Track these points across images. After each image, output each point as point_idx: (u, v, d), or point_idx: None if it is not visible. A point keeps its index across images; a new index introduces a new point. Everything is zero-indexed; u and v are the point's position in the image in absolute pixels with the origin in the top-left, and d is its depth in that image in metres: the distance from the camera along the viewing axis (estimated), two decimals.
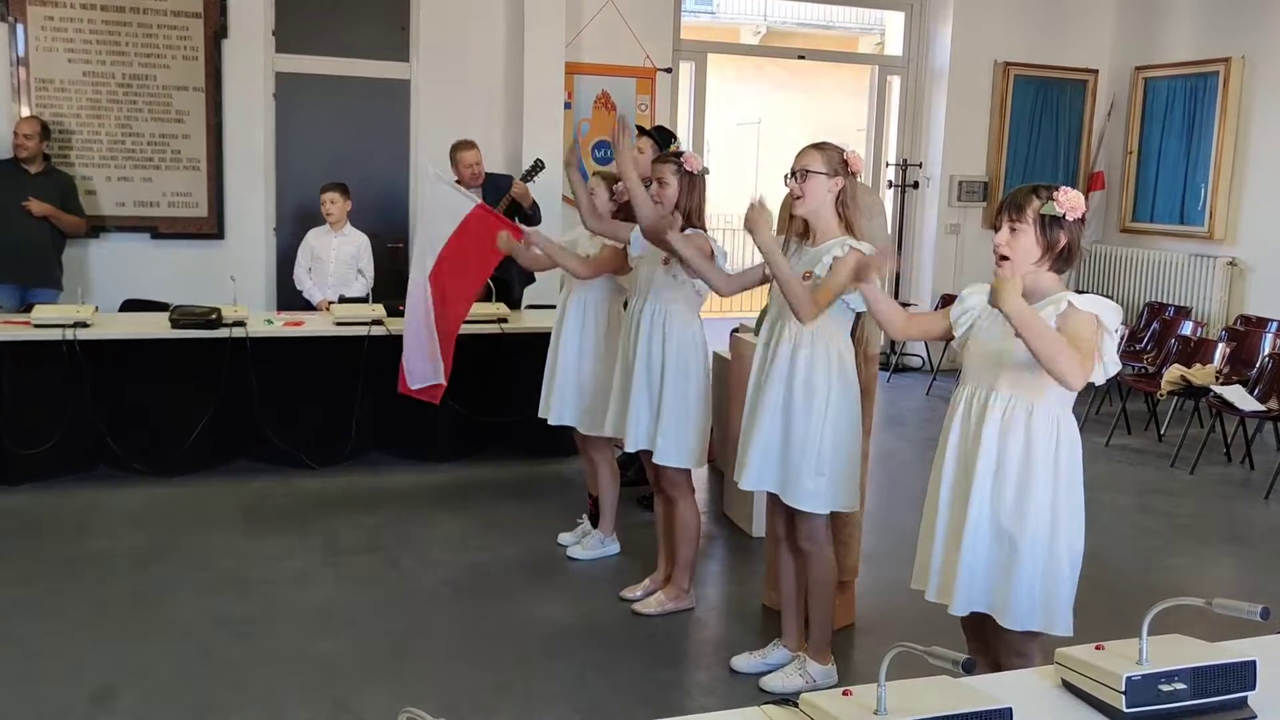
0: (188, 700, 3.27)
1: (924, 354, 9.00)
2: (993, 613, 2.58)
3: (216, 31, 6.83)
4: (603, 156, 7.68)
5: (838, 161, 3.23)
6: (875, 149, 9.25)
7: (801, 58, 10.37)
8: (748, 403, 3.42)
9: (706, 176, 3.86)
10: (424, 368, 5.07)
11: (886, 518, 5.05)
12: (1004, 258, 2.53)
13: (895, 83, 9.21)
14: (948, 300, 8.04)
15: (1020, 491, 2.52)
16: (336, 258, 6.31)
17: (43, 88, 6.55)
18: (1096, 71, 9.14)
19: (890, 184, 9.12)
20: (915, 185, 9.08)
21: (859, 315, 3.37)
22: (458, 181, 5.94)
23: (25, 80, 6.51)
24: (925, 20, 9.04)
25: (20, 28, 6.46)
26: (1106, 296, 2.63)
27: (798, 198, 3.25)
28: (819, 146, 3.28)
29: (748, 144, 16.68)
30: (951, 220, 9.03)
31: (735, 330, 5.43)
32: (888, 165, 9.21)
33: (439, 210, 5.01)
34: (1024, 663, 2.53)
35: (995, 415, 2.54)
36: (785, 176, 3.30)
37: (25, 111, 6.48)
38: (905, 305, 6.68)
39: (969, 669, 1.63)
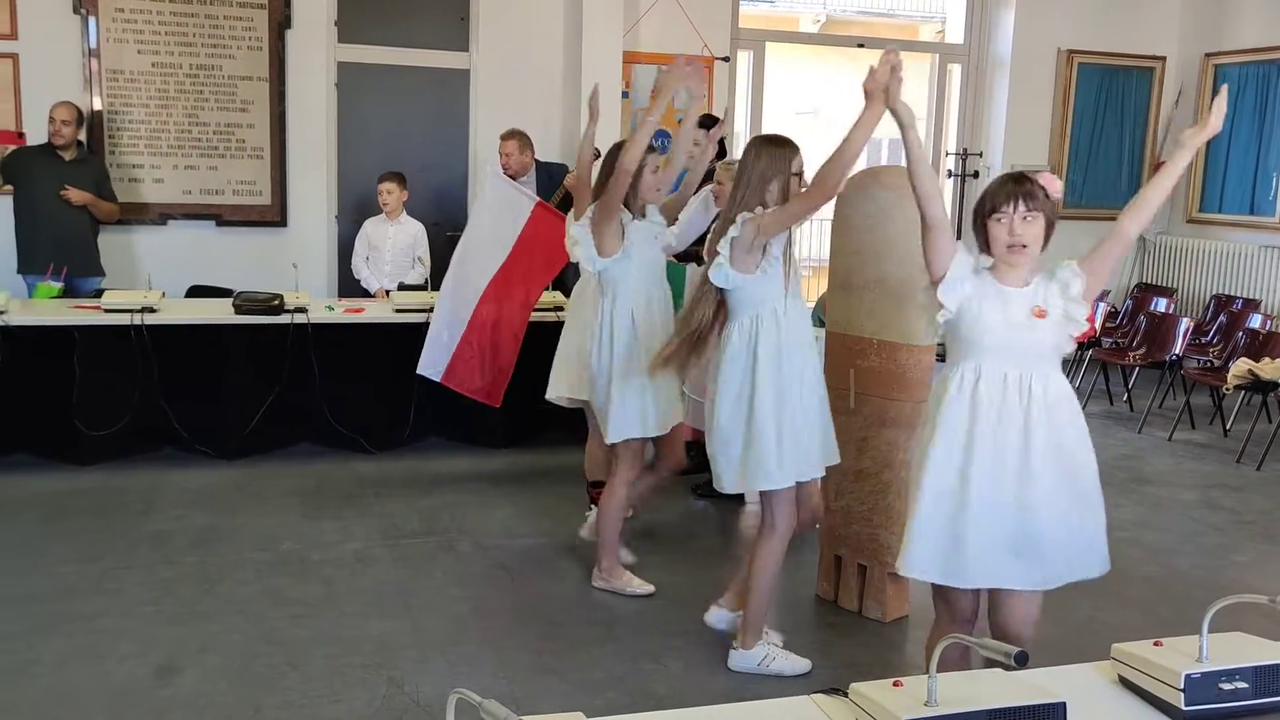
0: (248, 678, 3.35)
1: None
2: (1042, 585, 2.63)
3: (281, 22, 6.94)
4: (661, 147, 7.65)
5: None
6: (935, 138, 9.14)
7: (861, 46, 10.25)
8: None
9: None
10: (437, 355, 5.15)
11: None
12: (1023, 246, 2.57)
13: (956, 71, 9.09)
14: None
15: (1039, 461, 2.58)
16: (393, 246, 6.39)
17: (113, 78, 6.70)
18: (1164, 59, 8.94)
19: (950, 174, 9.00)
20: (975, 175, 8.96)
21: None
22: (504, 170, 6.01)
23: (97, 71, 6.66)
24: (987, 7, 8.90)
25: (92, 20, 6.61)
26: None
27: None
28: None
29: (806, 133, 16.54)
30: None
31: None
32: (947, 155, 9.10)
33: (500, 210, 5.06)
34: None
35: (1012, 390, 2.58)
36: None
37: (98, 103, 6.63)
38: None
39: (1021, 662, 1.62)
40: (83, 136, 6.14)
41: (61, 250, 5.93)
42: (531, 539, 4.65)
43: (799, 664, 3.50)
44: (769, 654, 3.50)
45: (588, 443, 4.61)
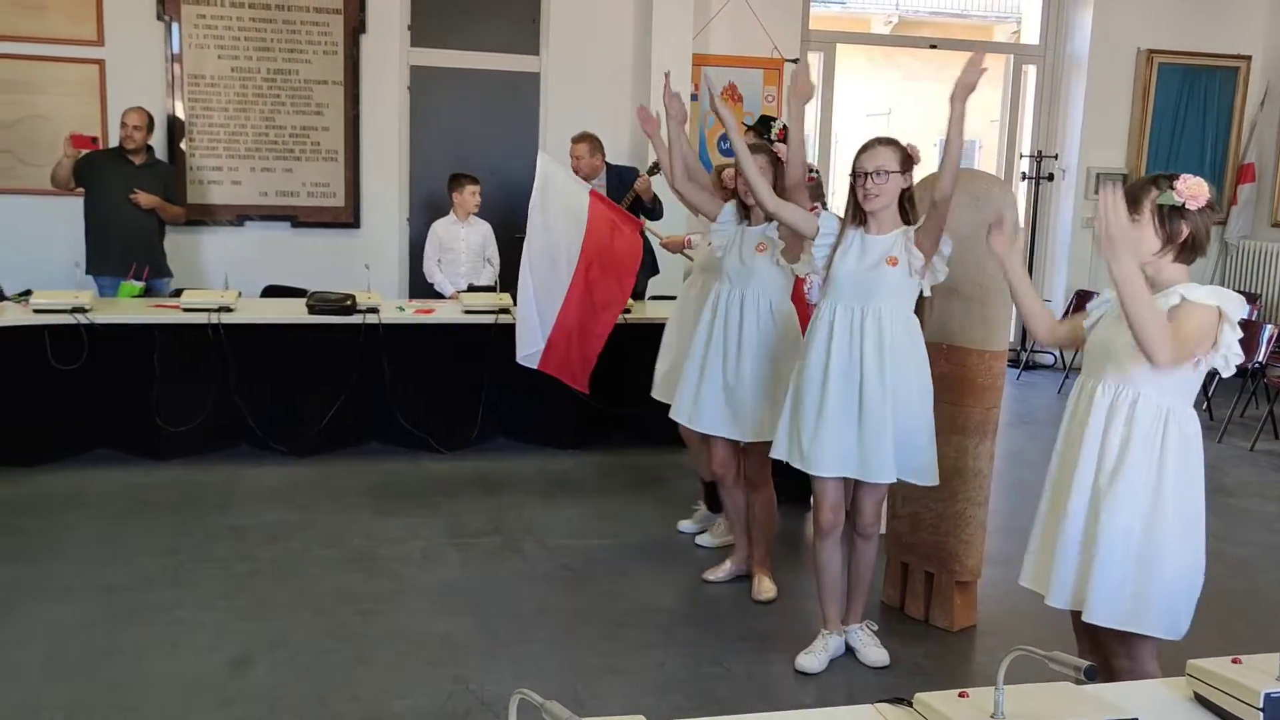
0: (317, 672, 3.41)
1: (1055, 350, 8.73)
2: (1078, 606, 2.53)
3: (355, 27, 7.06)
4: (728, 149, 7.64)
5: (905, 157, 3.31)
6: (1009, 140, 9.00)
7: (934, 47, 10.14)
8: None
9: (815, 174, 3.87)
10: (530, 341, 5.05)
11: (1012, 519, 4.92)
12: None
13: (1031, 72, 8.94)
14: (1083, 298, 7.80)
15: (1113, 482, 2.47)
16: (467, 248, 6.46)
17: (194, 83, 6.87)
18: (1249, 58, 8.70)
19: (1024, 176, 8.86)
20: (1050, 178, 8.81)
21: (921, 297, 3.42)
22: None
23: (179, 76, 6.83)
24: (1064, 7, 8.74)
25: (175, 26, 6.78)
26: (1255, 294, 2.57)
27: (876, 196, 3.27)
28: (888, 142, 3.33)
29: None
30: (1087, 214, 8.72)
31: None
32: (1022, 157, 8.95)
33: (562, 189, 4.97)
34: (1131, 668, 2.46)
35: (1101, 404, 2.51)
36: (860, 175, 3.30)
37: (179, 107, 6.80)
38: None
39: (1091, 676, 1.59)
40: (153, 141, 6.30)
41: (130, 251, 6.07)
42: (597, 540, 4.67)
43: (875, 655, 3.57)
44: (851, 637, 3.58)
45: (694, 444, 4.50)
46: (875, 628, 3.64)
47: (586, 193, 5.06)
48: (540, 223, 4.92)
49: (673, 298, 5.47)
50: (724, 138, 7.79)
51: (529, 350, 4.99)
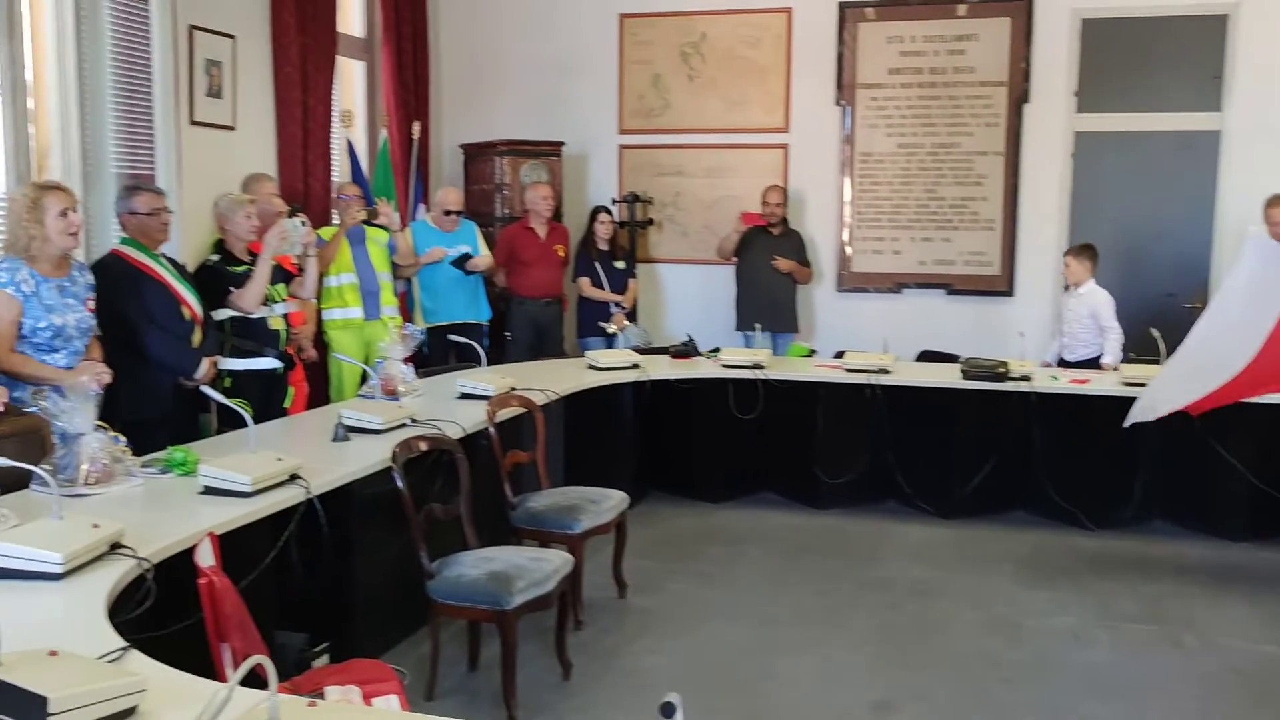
0: None
1: None
2: None
3: (1019, 97, 7.11)
4: None
5: None
6: None
7: None
8: None
9: None
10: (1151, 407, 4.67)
11: None
12: None
13: None
14: None
15: None
16: (1074, 317, 6.18)
17: (863, 160, 7.40)
18: None
19: None
20: None
21: None
22: None
23: (850, 156, 7.41)
24: None
25: (849, 110, 7.38)
26: None
27: None
28: None
29: None
30: None
31: None
32: None
33: (1266, 278, 4.52)
34: None
35: None
36: None
37: (847, 184, 7.38)
38: None
39: None
40: (824, 213, 7.04)
41: (767, 310, 6.85)
42: (1274, 646, 4.15)
43: None
44: None
45: None
46: None
47: None
48: (1236, 302, 4.52)
49: None
50: None
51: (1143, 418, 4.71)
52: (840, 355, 6.32)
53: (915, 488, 5.79)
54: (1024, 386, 5.52)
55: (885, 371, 5.77)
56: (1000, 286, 7.24)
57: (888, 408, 5.74)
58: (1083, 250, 6.23)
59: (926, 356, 6.76)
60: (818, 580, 4.84)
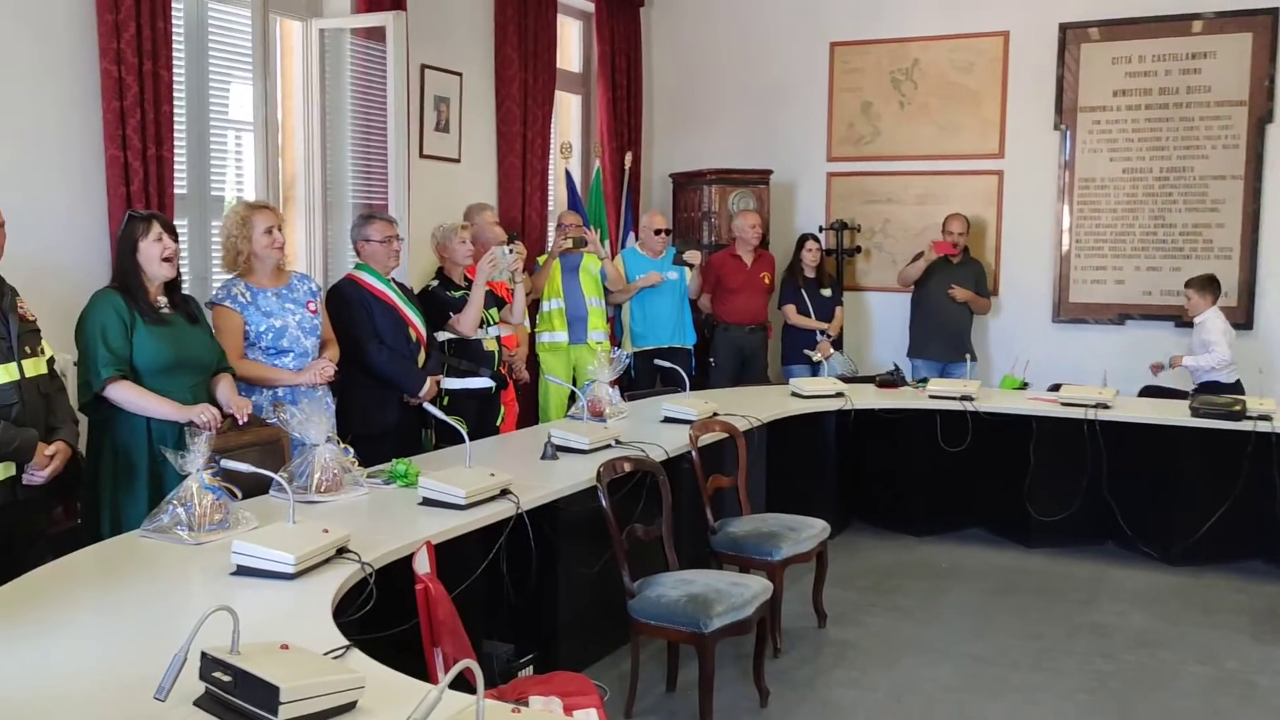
0: None
1: None
2: None
3: (1261, 117, 6.66)
4: None
5: None
6: None
7: None
8: None
9: None
10: None
11: None
12: None
13: None
14: None
15: None
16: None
17: (1084, 186, 7.09)
18: None
19: None
20: None
21: None
22: None
23: (1069, 182, 7.12)
24: None
25: (1069, 134, 7.09)
26: None
27: None
28: None
29: None
30: None
31: None
32: None
33: None
34: None
35: None
36: None
37: (1066, 212, 7.09)
38: None
39: None
40: (967, 242, 6.98)
41: (943, 338, 6.88)
42: None
43: None
44: None
45: None
46: None
47: None
48: None
49: None
50: None
51: None
52: (1056, 388, 6.06)
53: (1136, 530, 5.48)
54: (1263, 426, 5.14)
55: (1104, 406, 5.49)
56: (1238, 319, 6.76)
57: (1107, 444, 5.46)
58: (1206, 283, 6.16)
59: (1149, 392, 6.39)
60: (1027, 621, 4.65)
